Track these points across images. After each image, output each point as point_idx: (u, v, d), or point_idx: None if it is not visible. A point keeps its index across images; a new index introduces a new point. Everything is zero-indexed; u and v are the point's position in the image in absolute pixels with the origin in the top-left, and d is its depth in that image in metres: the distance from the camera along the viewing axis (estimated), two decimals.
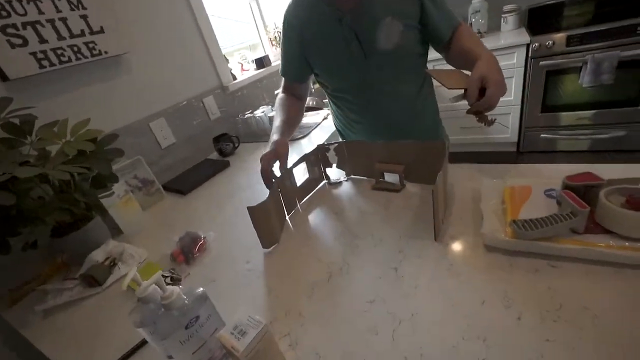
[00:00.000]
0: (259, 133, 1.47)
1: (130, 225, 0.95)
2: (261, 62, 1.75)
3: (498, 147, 2.45)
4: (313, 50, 0.84)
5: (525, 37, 2.01)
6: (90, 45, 0.98)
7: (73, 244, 0.80)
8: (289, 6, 0.83)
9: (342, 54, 0.81)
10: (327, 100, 1.05)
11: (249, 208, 0.64)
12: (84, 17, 0.97)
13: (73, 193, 0.72)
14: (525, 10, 2.34)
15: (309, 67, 0.89)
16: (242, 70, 1.75)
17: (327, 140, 1.28)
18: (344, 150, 0.85)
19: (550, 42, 1.94)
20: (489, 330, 0.42)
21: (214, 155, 1.37)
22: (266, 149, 0.79)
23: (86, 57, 0.98)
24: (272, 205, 0.70)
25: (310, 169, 0.84)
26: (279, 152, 0.76)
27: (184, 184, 1.13)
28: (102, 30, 1.01)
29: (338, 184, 0.87)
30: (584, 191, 0.53)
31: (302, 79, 0.94)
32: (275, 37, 1.94)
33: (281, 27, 0.88)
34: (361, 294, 0.53)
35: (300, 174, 0.84)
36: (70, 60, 0.94)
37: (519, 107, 2.22)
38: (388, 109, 0.88)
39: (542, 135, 2.26)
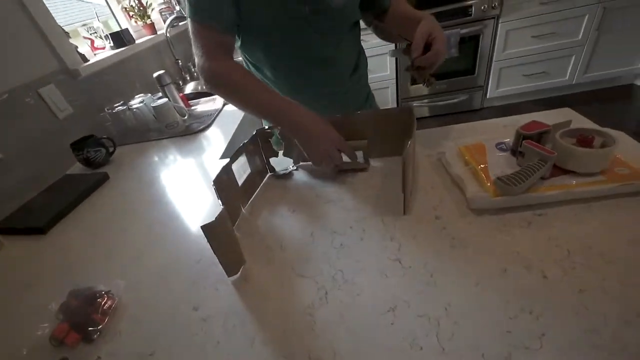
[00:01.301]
0: (140, 129, 1.13)
1: None
2: (120, 38, 1.32)
3: None
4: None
5: None
6: None
7: None
8: None
9: (285, 8, 0.65)
10: None
11: (204, 227, 0.43)
12: None
13: None
14: None
15: (237, 13, 0.64)
16: (93, 48, 1.29)
17: (237, 130, 1.08)
18: None
19: None
20: (528, 300, 0.39)
21: (78, 168, 0.97)
22: (305, 120, 0.62)
23: None
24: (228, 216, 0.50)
25: (250, 162, 0.66)
26: (340, 140, 0.62)
27: (37, 217, 0.74)
28: None
29: (287, 175, 0.72)
30: (537, 139, 0.56)
31: (234, 28, 0.67)
32: (132, 7, 1.51)
33: None
34: (375, 303, 0.42)
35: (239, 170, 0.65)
36: None
37: (394, 80, 2.48)
38: (326, 79, 0.78)
39: (414, 104, 2.60)
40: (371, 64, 2.29)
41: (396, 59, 2.39)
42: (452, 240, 0.48)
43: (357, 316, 0.41)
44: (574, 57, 2.32)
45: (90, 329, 0.47)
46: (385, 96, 2.55)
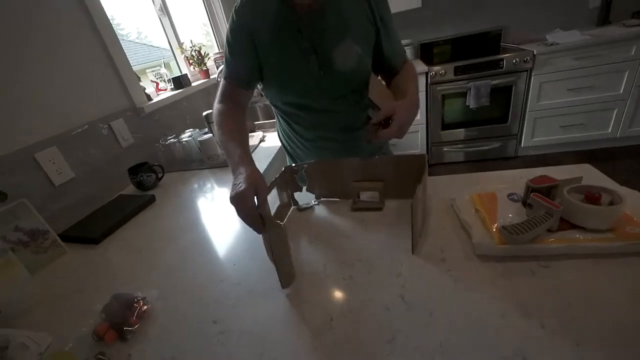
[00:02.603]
0: (186, 160, 1.28)
1: (12, 300, 0.66)
2: (179, 82, 1.55)
3: None
4: (267, 55, 0.76)
5: (423, 67, 2.34)
6: None
7: None
8: (243, 1, 0.73)
9: (298, 66, 0.76)
10: (258, 122, 0.97)
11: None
12: None
13: None
14: (418, 45, 2.74)
15: (258, 73, 0.79)
16: (157, 90, 1.52)
17: (269, 164, 1.19)
18: (315, 170, 0.78)
19: (443, 71, 2.31)
20: (523, 345, 0.40)
21: (131, 189, 1.12)
22: (236, 183, 0.57)
23: None
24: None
25: (279, 195, 0.75)
26: (260, 187, 0.56)
27: (94, 229, 0.87)
28: None
29: (309, 208, 0.79)
30: (546, 192, 0.58)
31: (251, 84, 0.82)
32: (193, 56, 1.77)
33: (228, 28, 0.75)
34: (375, 334, 0.45)
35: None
36: None
37: (425, 125, 2.55)
38: (338, 129, 0.86)
39: (444, 149, 2.63)
40: None
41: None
42: (455, 282, 0.51)
43: (359, 345, 0.44)
44: (616, 111, 2.26)
45: (125, 329, 0.54)
46: (415, 140, 2.61)
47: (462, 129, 2.53)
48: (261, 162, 1.18)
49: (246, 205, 0.53)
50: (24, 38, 0.93)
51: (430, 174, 0.71)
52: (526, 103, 2.36)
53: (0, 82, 0.86)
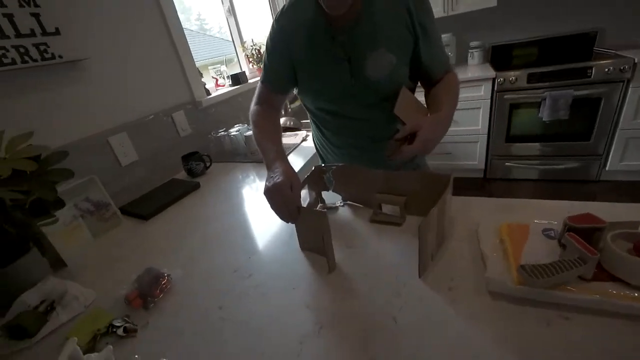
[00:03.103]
0: (232, 152, 1.38)
1: (77, 257, 0.81)
2: (237, 79, 1.67)
3: (466, 173, 2.54)
4: (301, 62, 0.78)
5: (490, 72, 2.14)
6: (42, 47, 0.86)
7: None
8: (284, 8, 0.77)
9: (330, 74, 0.77)
10: (306, 120, 1.00)
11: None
12: (36, 16, 0.85)
13: (2, 222, 0.58)
14: (489, 48, 2.52)
15: (293, 79, 0.82)
16: (216, 85, 1.66)
17: (306, 164, 1.22)
18: (341, 174, 0.79)
19: (514, 78, 2.08)
20: None
21: (182, 175, 1.25)
22: (272, 177, 0.62)
23: (35, 61, 0.85)
24: None
25: (309, 193, 0.78)
26: (294, 181, 0.61)
27: (146, 207, 1.00)
28: (57, 32, 0.89)
29: (334, 209, 0.80)
30: (586, 233, 0.51)
31: (286, 90, 0.86)
32: (253, 54, 1.89)
33: (267, 36, 0.80)
34: (359, 351, 0.45)
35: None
36: (14, 62, 0.81)
37: (486, 136, 2.34)
38: (367, 138, 0.85)
39: (506, 163, 2.39)
40: (460, 116, 2.26)
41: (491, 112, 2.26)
42: (456, 315, 0.48)
43: (339, 356, 0.45)
44: None
45: (149, 299, 0.62)
46: (473, 150, 2.41)
47: (533, 143, 2.26)
48: (298, 161, 1.22)
49: (282, 196, 0.59)
50: (113, 36, 1.09)
51: (487, 190, 0.67)
52: (618, 120, 2.01)
53: (97, 81, 1.03)
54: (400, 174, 0.71)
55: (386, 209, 0.75)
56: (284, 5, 0.77)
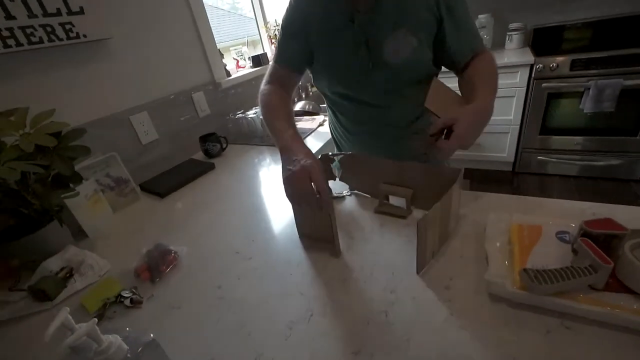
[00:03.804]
0: (249, 135, 1.39)
1: (97, 228, 0.86)
2: (258, 60, 1.66)
3: (494, 165, 2.41)
4: (317, 43, 0.75)
5: (529, 57, 1.97)
6: (67, 26, 0.89)
7: (26, 249, 0.71)
8: None
9: (347, 57, 0.73)
10: (324, 105, 0.97)
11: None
12: None
13: (24, 194, 0.63)
14: (531, 30, 2.31)
15: (308, 59, 0.79)
16: (237, 67, 1.67)
17: (321, 149, 1.21)
18: (349, 163, 0.77)
19: (554, 65, 1.91)
20: None
21: (199, 155, 1.28)
22: (293, 161, 0.58)
23: (61, 40, 0.88)
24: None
25: None
26: (316, 167, 0.56)
27: (162, 185, 1.04)
28: (81, 11, 0.91)
29: (340, 198, 0.79)
30: (603, 240, 0.47)
31: (300, 69, 0.81)
32: (275, 35, 1.86)
33: (284, 14, 0.76)
34: (345, 341, 0.45)
35: None
36: (41, 41, 0.85)
37: (518, 127, 2.19)
38: (384, 125, 0.82)
39: (538, 157, 2.23)
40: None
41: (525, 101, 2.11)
42: (450, 315, 0.46)
43: (326, 346, 0.45)
44: None
45: (156, 273, 0.65)
46: (503, 142, 2.27)
47: (570, 137, 2.09)
48: (313, 145, 1.21)
49: (315, 181, 0.55)
50: (136, 16, 1.11)
51: (515, 185, 0.63)
52: None
53: (120, 60, 1.06)
54: (410, 165, 0.68)
55: (393, 200, 0.73)
56: None
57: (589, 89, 1.86)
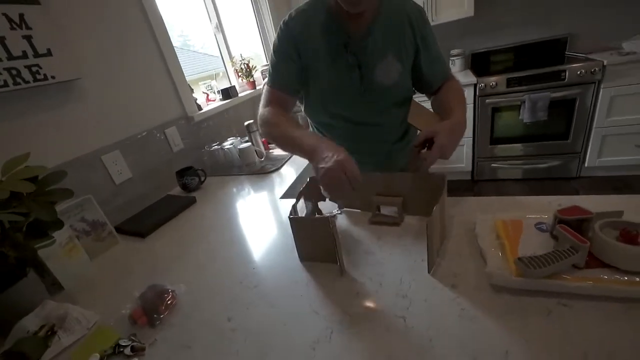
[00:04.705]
0: (226, 165, 1.38)
1: (74, 279, 0.79)
2: (227, 93, 1.69)
3: (456, 175, 2.61)
4: (312, 67, 0.80)
5: (472, 78, 2.23)
6: (34, 69, 0.86)
7: None
8: (293, 14, 0.78)
9: (341, 80, 0.80)
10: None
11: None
12: (28, 38, 0.85)
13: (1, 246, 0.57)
14: (469, 55, 2.63)
15: (302, 81, 0.82)
16: (207, 100, 1.67)
17: (306, 169, 1.24)
18: None
19: (494, 83, 2.18)
20: None
21: (176, 190, 1.24)
22: (328, 155, 0.61)
23: (27, 82, 0.84)
24: None
25: (306, 204, 0.79)
26: (349, 162, 0.60)
27: (142, 224, 0.99)
28: (49, 53, 0.89)
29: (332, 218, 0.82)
30: (576, 225, 0.54)
31: (295, 91, 0.84)
32: (242, 69, 1.91)
33: (275, 38, 0.80)
34: (371, 352, 0.46)
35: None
36: (6, 84, 0.80)
37: (472, 139, 2.42)
38: (376, 142, 0.88)
39: (491, 164, 2.46)
40: None
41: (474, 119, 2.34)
42: (462, 310, 0.50)
43: (355, 358, 0.46)
44: None
45: (155, 316, 0.61)
46: (460, 153, 2.48)
47: (515, 144, 2.35)
48: (293, 171, 1.24)
49: (350, 170, 0.59)
50: (104, 55, 1.10)
51: (476, 191, 0.70)
52: (592, 118, 2.12)
53: (90, 100, 1.03)
54: (396, 176, 0.74)
55: (384, 210, 0.78)
56: (291, 12, 0.79)
57: (524, 102, 2.14)
